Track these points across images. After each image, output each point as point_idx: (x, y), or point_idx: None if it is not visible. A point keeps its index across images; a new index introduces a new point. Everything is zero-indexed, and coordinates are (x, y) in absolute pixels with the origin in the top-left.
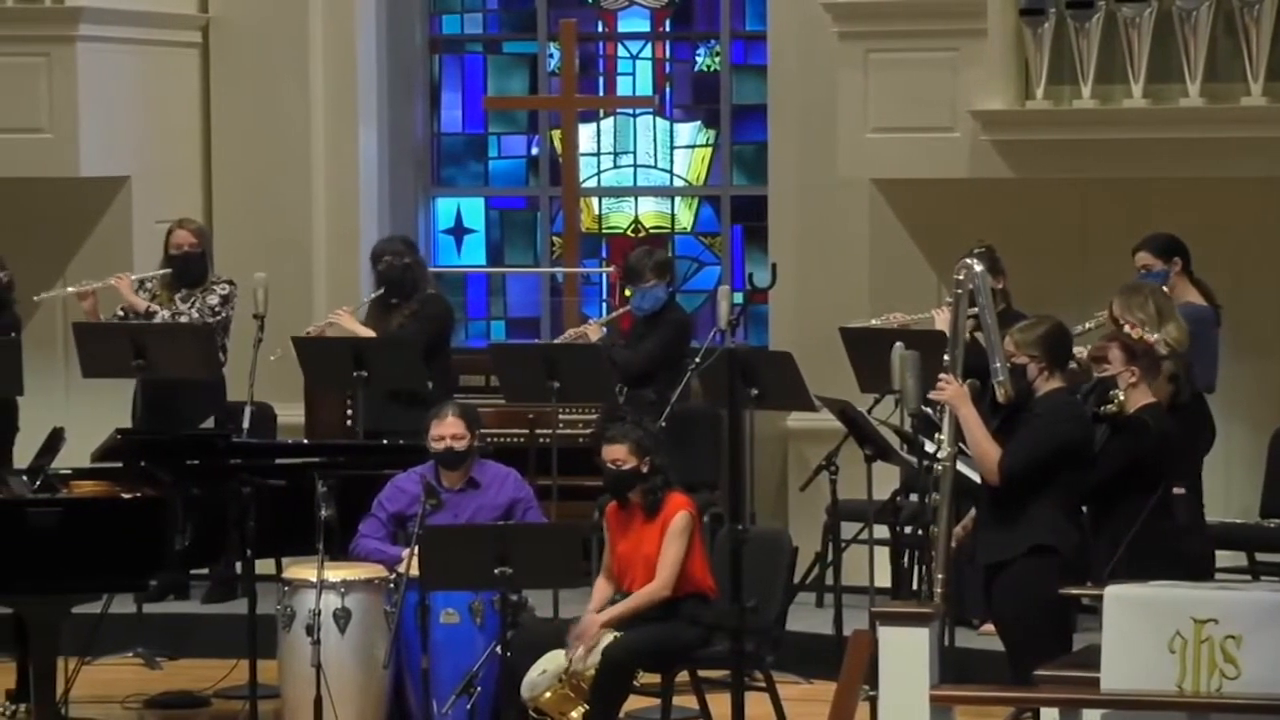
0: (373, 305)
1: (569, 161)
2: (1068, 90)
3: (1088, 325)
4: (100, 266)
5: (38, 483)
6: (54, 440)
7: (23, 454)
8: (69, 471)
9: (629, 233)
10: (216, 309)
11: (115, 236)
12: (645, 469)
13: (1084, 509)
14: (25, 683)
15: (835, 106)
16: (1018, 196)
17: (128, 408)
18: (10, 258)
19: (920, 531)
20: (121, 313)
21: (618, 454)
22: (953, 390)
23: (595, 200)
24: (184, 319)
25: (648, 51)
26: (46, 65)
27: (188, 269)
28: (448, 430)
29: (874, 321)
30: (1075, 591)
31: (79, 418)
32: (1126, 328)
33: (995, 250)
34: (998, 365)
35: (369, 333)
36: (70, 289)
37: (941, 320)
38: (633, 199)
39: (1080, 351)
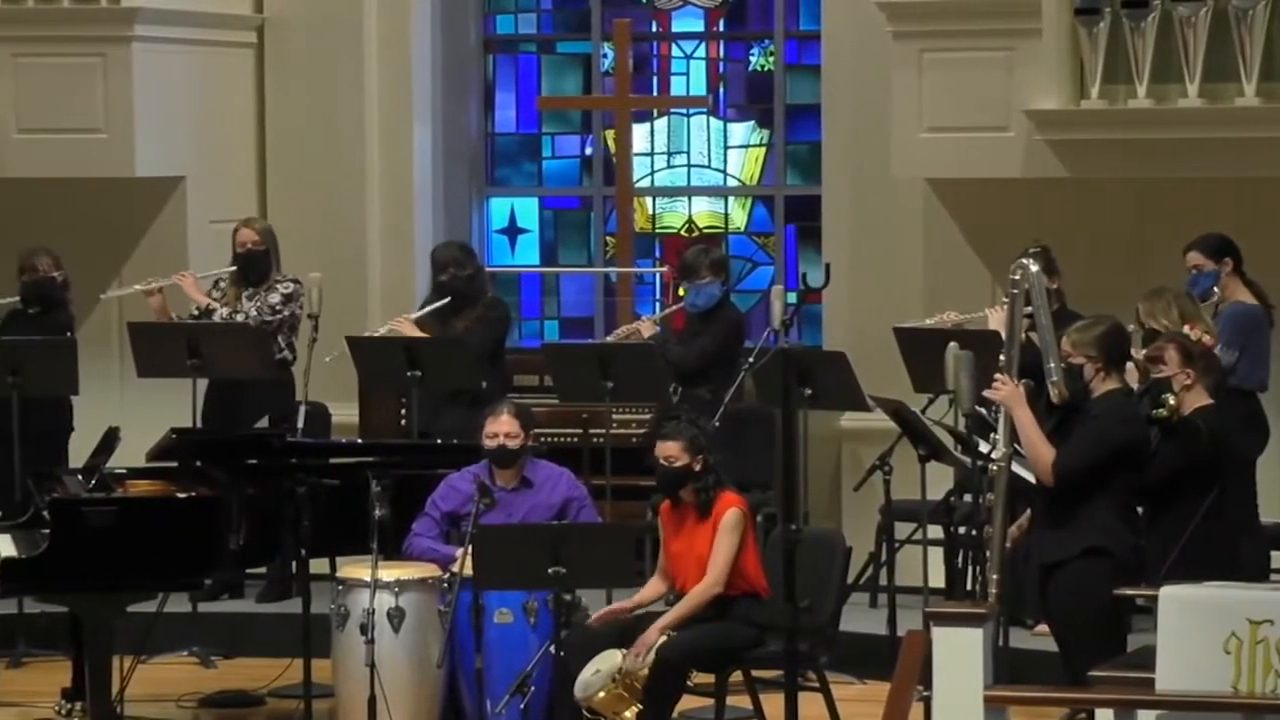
0: (434, 311)
1: (623, 161)
2: (1122, 90)
3: (1131, 328)
4: (155, 267)
5: (93, 482)
6: (109, 439)
7: (78, 453)
8: (124, 471)
9: (683, 233)
10: (277, 307)
11: (170, 237)
12: (698, 467)
13: (1139, 510)
14: (81, 681)
15: (889, 106)
16: (1072, 196)
17: (183, 407)
18: (66, 258)
19: (974, 532)
20: (196, 311)
21: (670, 451)
22: (1008, 390)
23: (649, 200)
24: (241, 317)
25: (702, 51)
26: (102, 66)
27: (251, 267)
28: (502, 428)
29: (928, 321)
30: (1130, 592)
31: (134, 417)
32: (1186, 328)
33: (1050, 250)
34: (1053, 365)
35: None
36: (137, 287)
37: (995, 320)
38: (686, 199)
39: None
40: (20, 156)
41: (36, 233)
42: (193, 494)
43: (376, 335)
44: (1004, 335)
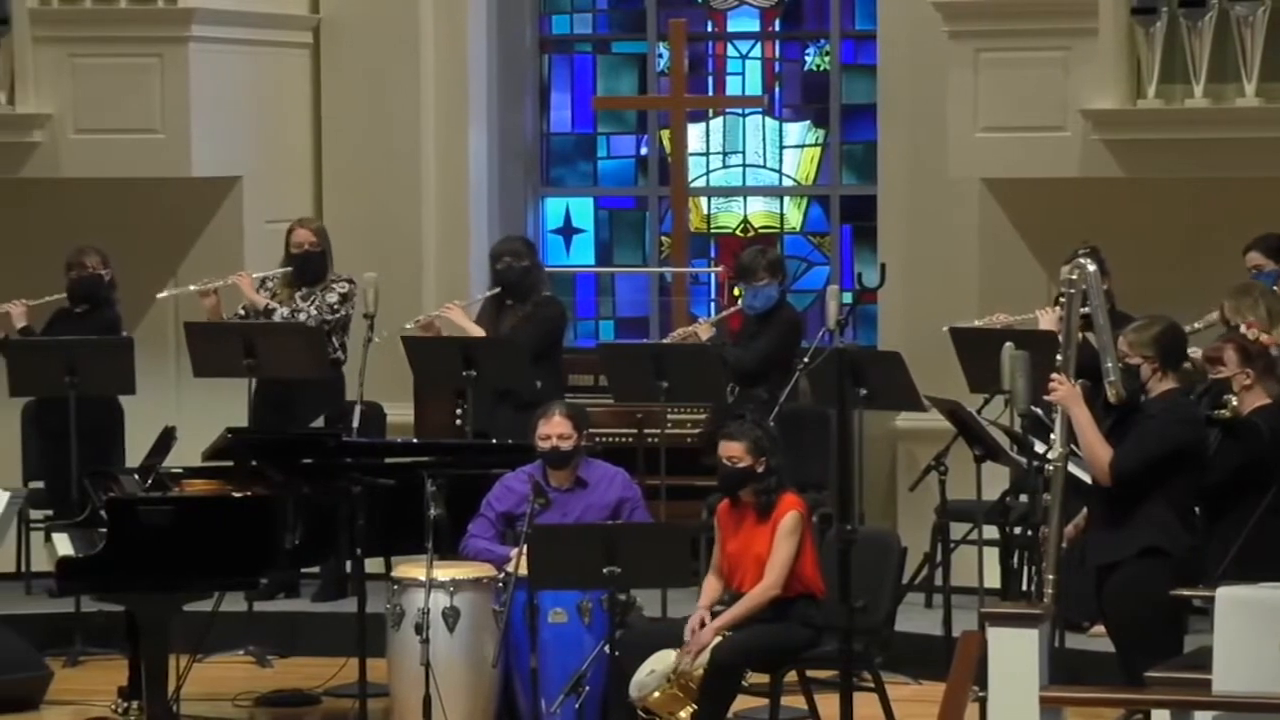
0: (488, 304)
1: (678, 161)
2: (1179, 89)
3: (1197, 326)
4: (211, 267)
5: (149, 481)
6: (165, 439)
7: (135, 453)
8: (180, 470)
9: (738, 232)
10: (335, 307)
11: (226, 237)
12: (760, 469)
13: (1197, 511)
14: (137, 680)
15: (945, 106)
16: (1128, 196)
17: (238, 407)
18: (122, 258)
19: (1030, 532)
20: (243, 311)
21: (734, 451)
22: (1065, 390)
23: (704, 200)
24: (302, 316)
25: (757, 51)
26: (159, 66)
27: (307, 267)
28: (554, 430)
29: (977, 322)
30: (1187, 593)
31: (190, 417)
32: (1243, 328)
33: (1100, 250)
34: (1110, 365)
35: (479, 330)
36: (193, 287)
37: (1046, 320)
38: (742, 199)
39: (1195, 352)
40: (78, 157)
41: (94, 233)
42: (248, 493)
43: (426, 318)
44: (1060, 336)
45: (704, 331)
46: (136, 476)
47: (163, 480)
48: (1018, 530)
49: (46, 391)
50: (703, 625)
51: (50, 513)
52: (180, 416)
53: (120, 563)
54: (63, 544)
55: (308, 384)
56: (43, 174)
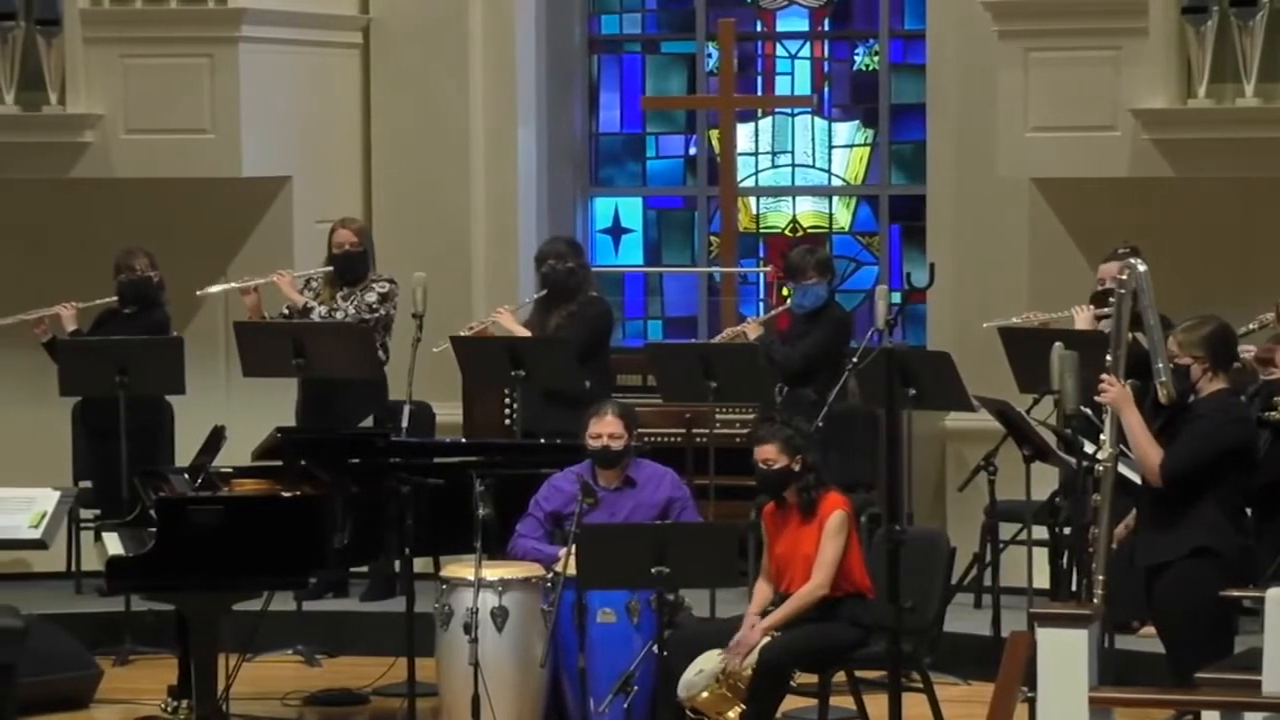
0: (535, 306)
1: (727, 161)
2: (1230, 89)
3: (1251, 327)
4: (261, 266)
5: (199, 481)
6: (215, 439)
7: (184, 452)
8: (230, 470)
9: (787, 232)
10: (374, 306)
11: (276, 236)
12: (797, 467)
13: (1248, 511)
14: (187, 679)
15: (995, 105)
16: (1179, 196)
17: (288, 406)
18: (173, 257)
19: (1069, 529)
20: (286, 310)
21: (768, 454)
22: (1116, 391)
23: (753, 200)
24: (340, 315)
25: (806, 51)
26: (209, 66)
27: (349, 267)
28: (606, 429)
29: (1015, 320)
30: (1237, 594)
31: (240, 416)
32: None
33: (1139, 251)
34: (1160, 366)
35: (527, 334)
36: (233, 284)
37: (1082, 319)
38: (790, 198)
39: (1246, 351)
40: (128, 157)
41: (143, 233)
42: (298, 493)
43: (479, 325)
44: (1111, 335)
45: (752, 331)
46: (186, 476)
47: (212, 480)
48: (1067, 531)
49: (96, 391)
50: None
51: (100, 512)
52: (230, 416)
53: (170, 562)
54: (112, 543)
55: (351, 384)
56: (93, 174)
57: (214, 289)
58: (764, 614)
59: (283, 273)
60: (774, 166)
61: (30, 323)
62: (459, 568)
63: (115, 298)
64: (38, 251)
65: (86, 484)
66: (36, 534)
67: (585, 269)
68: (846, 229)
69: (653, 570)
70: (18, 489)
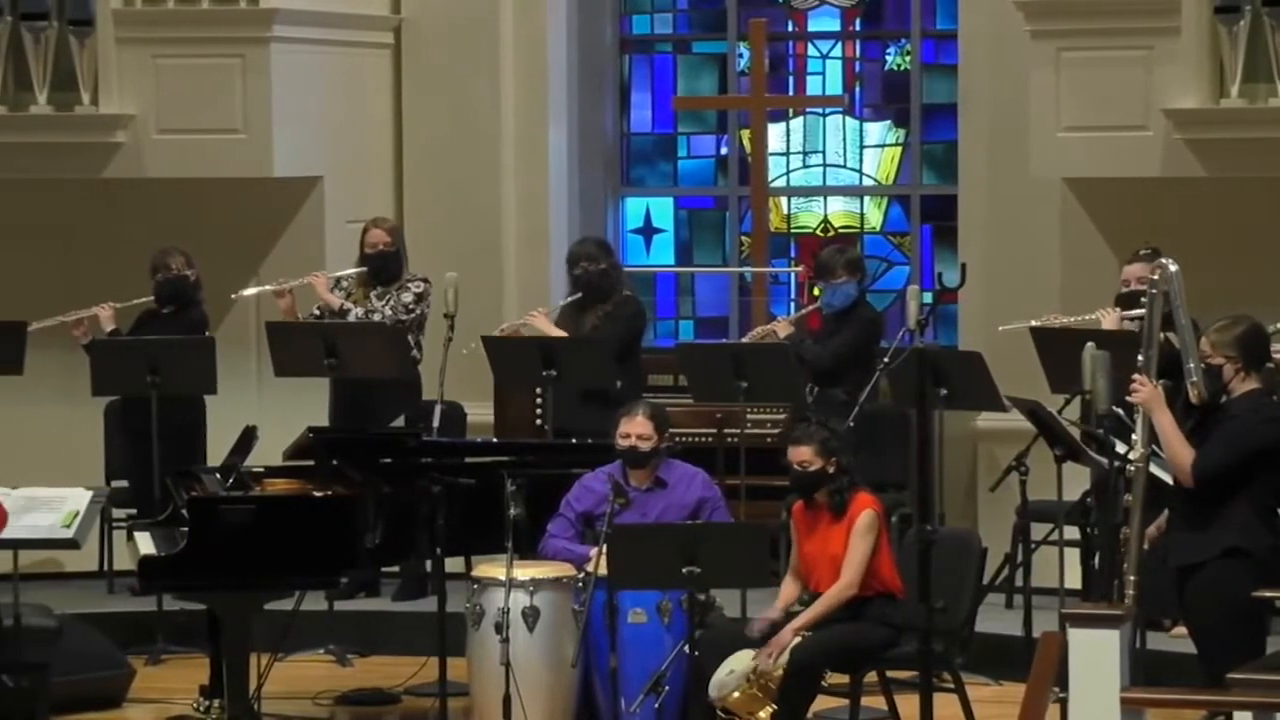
0: (567, 307)
1: (758, 161)
2: (1263, 88)
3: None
4: (293, 266)
5: (230, 480)
6: (247, 439)
7: (216, 452)
8: (261, 469)
9: (818, 232)
10: (410, 306)
11: (308, 236)
12: (831, 469)
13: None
14: (218, 678)
15: (1026, 105)
16: (1211, 196)
17: (319, 406)
18: (205, 257)
19: (1093, 530)
20: (318, 311)
21: (803, 455)
22: (1147, 392)
23: (784, 200)
24: (377, 316)
25: (838, 51)
26: (241, 67)
27: (382, 267)
28: (635, 429)
29: (1033, 322)
30: (1269, 594)
31: (271, 416)
32: None
33: (1160, 252)
34: (1192, 366)
35: (561, 334)
36: (268, 287)
37: (1109, 321)
38: (822, 198)
39: (1279, 351)
40: (160, 157)
41: (176, 233)
42: (329, 493)
43: (511, 327)
44: (1143, 336)
45: (782, 330)
46: (218, 476)
47: (244, 479)
48: (1098, 531)
49: (129, 391)
50: (771, 626)
51: (133, 512)
52: (261, 416)
53: (201, 562)
54: (145, 543)
55: (385, 384)
56: (125, 174)
57: (249, 291)
58: (789, 612)
59: (317, 274)
60: (805, 166)
61: (68, 324)
62: (490, 567)
63: (152, 297)
64: (69, 252)
65: (120, 483)
66: (69, 533)
67: (617, 269)
68: (878, 229)
69: (684, 570)
70: (50, 488)
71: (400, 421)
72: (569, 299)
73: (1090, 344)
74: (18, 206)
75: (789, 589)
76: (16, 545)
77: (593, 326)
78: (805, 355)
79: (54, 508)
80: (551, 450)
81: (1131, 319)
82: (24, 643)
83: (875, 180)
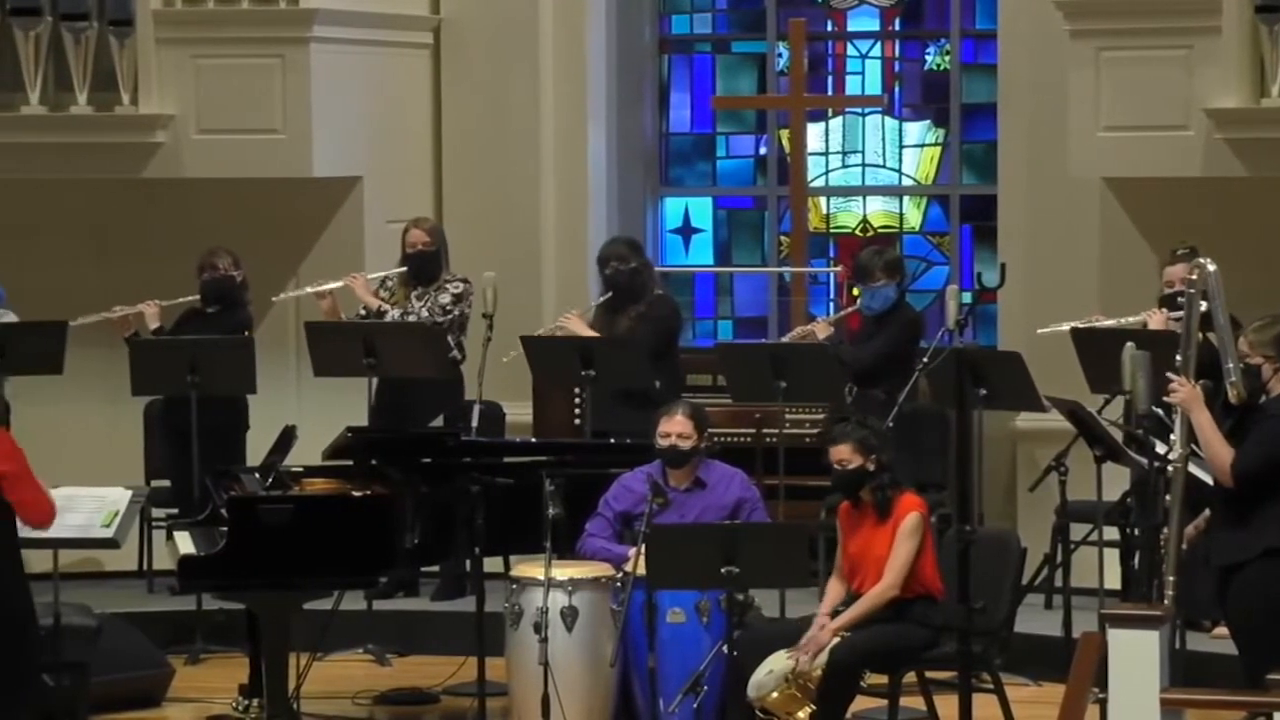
0: (600, 308)
1: (797, 161)
2: None
3: None
4: (332, 266)
5: (269, 480)
6: (286, 438)
7: (255, 452)
8: (300, 469)
9: (857, 232)
10: (448, 307)
11: (347, 236)
12: (871, 467)
13: None
14: (258, 678)
15: (1066, 105)
16: (1252, 195)
17: (358, 406)
18: (244, 257)
19: (1134, 531)
20: (364, 311)
21: (843, 454)
22: (1186, 392)
23: (823, 200)
24: (413, 318)
25: (877, 50)
26: (280, 67)
27: (422, 268)
28: (674, 429)
29: (1076, 324)
30: None
31: (310, 416)
32: None
33: (1199, 250)
34: (1231, 366)
35: (594, 335)
36: (309, 289)
37: (1155, 322)
38: (861, 198)
39: None
40: (200, 157)
41: (215, 233)
42: (368, 492)
43: (547, 332)
44: (1181, 335)
45: (821, 331)
46: (257, 475)
47: (283, 479)
48: (1138, 531)
49: (168, 391)
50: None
51: (172, 511)
52: (301, 415)
53: (241, 561)
54: (184, 542)
55: (425, 383)
56: (165, 174)
57: (290, 294)
58: (834, 613)
59: (356, 275)
60: (844, 166)
61: (113, 322)
62: (529, 567)
63: (198, 296)
64: (108, 251)
65: (160, 483)
66: (109, 533)
67: (648, 268)
68: (917, 229)
69: (722, 570)
70: (90, 488)
71: (439, 421)
72: (601, 299)
73: (1130, 344)
74: (58, 206)
75: (834, 590)
76: (56, 544)
77: (627, 328)
78: (844, 357)
79: (94, 507)
80: (590, 450)
81: (1178, 320)
82: (64, 642)
83: (914, 180)
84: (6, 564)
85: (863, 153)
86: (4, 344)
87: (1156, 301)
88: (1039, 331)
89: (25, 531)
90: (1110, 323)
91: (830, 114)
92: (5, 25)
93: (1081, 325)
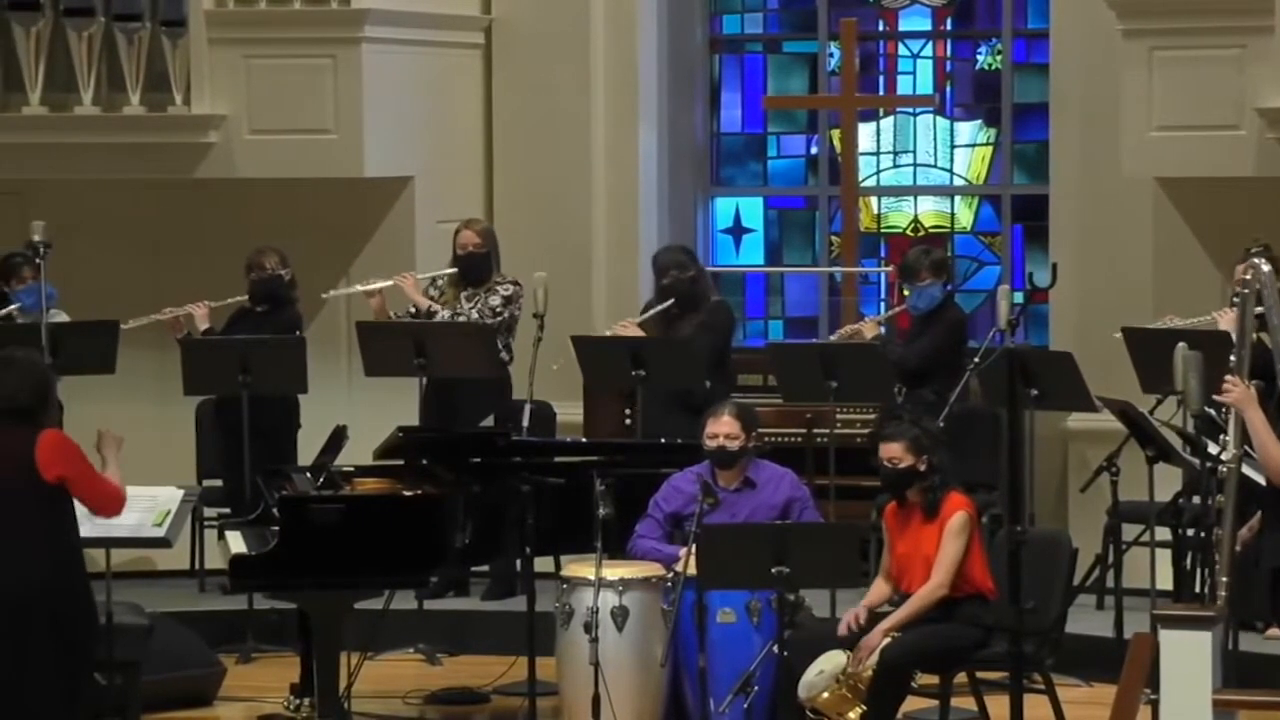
0: (658, 316)
1: (848, 161)
2: None
3: None
4: (383, 266)
5: (321, 480)
6: (337, 438)
7: (306, 451)
8: (351, 469)
9: (908, 232)
10: (498, 309)
11: (398, 236)
12: (922, 468)
13: None
14: (309, 677)
15: (1118, 104)
16: None
17: (409, 406)
18: (296, 257)
19: (1203, 534)
20: (413, 311)
21: (894, 452)
22: (1239, 392)
23: (874, 199)
24: (462, 319)
25: (929, 50)
26: (332, 67)
27: (472, 269)
28: (722, 429)
29: (1150, 325)
30: None
31: (361, 415)
32: None
33: (1272, 249)
34: None
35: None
36: (359, 287)
37: (1226, 322)
38: (912, 198)
39: None
40: (251, 157)
41: (267, 233)
42: (419, 492)
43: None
44: (1234, 336)
45: (869, 330)
46: (308, 475)
47: (334, 479)
48: (1190, 532)
49: (220, 391)
50: (856, 622)
51: (224, 510)
52: (352, 415)
53: (292, 561)
54: (235, 542)
55: (471, 384)
56: (217, 174)
57: (339, 292)
58: (877, 612)
59: (406, 275)
60: (895, 166)
61: (164, 323)
62: (579, 567)
63: (246, 296)
64: (160, 252)
65: (212, 482)
66: (160, 532)
67: (704, 274)
68: (968, 229)
69: (773, 570)
70: (142, 487)
71: (490, 421)
72: (659, 308)
73: (1182, 344)
74: (110, 206)
75: (879, 589)
76: (109, 544)
77: (687, 336)
78: (891, 357)
79: (146, 506)
80: (640, 450)
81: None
82: (116, 641)
83: (966, 180)
84: (68, 562)
85: (914, 152)
86: (56, 344)
87: (1228, 301)
88: (1122, 327)
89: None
90: (1182, 323)
91: (881, 114)
92: (58, 26)
93: (1160, 326)
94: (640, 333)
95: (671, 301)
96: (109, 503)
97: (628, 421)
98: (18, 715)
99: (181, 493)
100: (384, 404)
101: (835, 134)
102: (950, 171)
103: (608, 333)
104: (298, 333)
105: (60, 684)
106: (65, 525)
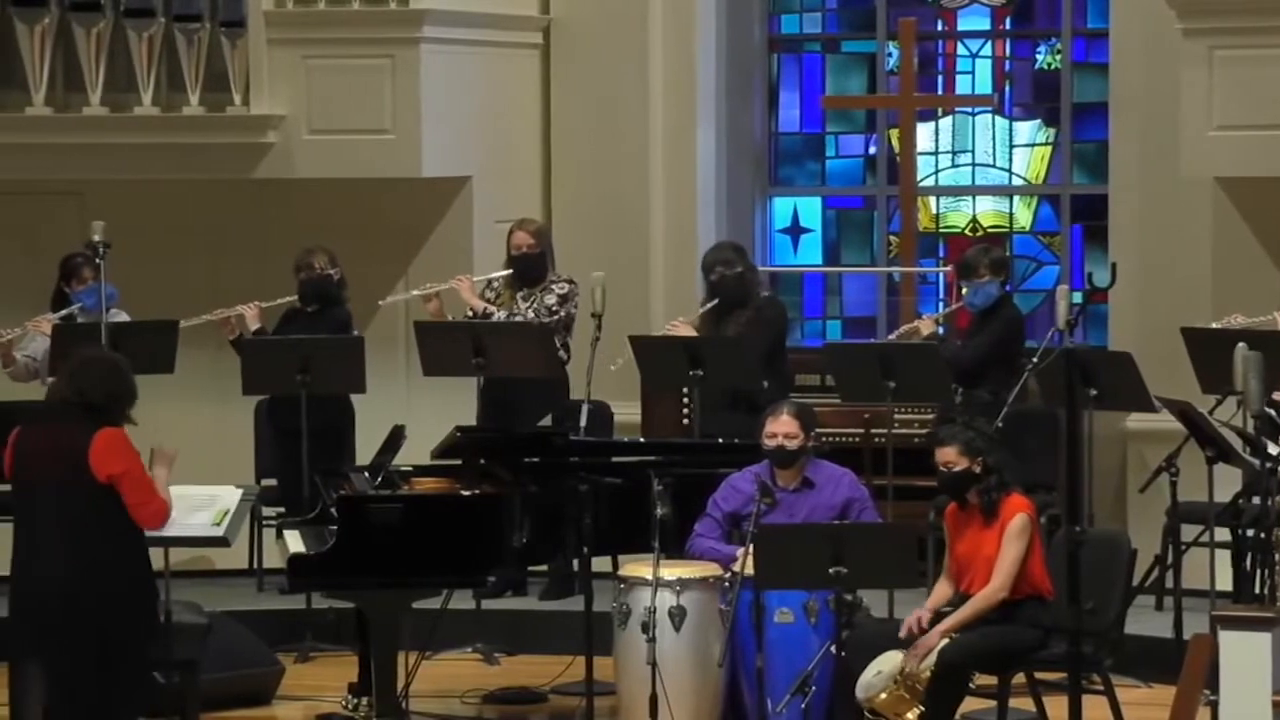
0: (708, 314)
1: (907, 160)
2: None
3: None
4: (441, 267)
5: (379, 479)
6: (395, 438)
7: (365, 451)
8: (410, 469)
9: (966, 232)
10: (554, 308)
11: (456, 237)
12: (977, 470)
13: None
14: (367, 676)
15: (1178, 104)
16: None
17: (467, 406)
18: (354, 258)
19: (1263, 535)
20: (470, 313)
21: (948, 456)
22: None
23: (933, 199)
24: (519, 319)
25: (988, 50)
26: (390, 67)
27: (526, 269)
28: (781, 429)
29: (1214, 325)
30: None
31: (420, 415)
32: None
33: None
34: None
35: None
36: (415, 292)
37: None
38: (971, 198)
39: None
40: (310, 157)
41: (325, 233)
42: (477, 492)
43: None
44: None
45: (925, 328)
46: (366, 475)
47: (392, 478)
48: (1250, 532)
49: (278, 390)
50: (919, 624)
51: (282, 510)
52: (410, 415)
53: (350, 560)
54: (294, 541)
55: (532, 383)
56: (276, 174)
57: (396, 298)
58: (940, 613)
59: (463, 278)
60: (954, 166)
61: (216, 323)
62: (637, 567)
63: (296, 297)
64: (220, 252)
65: (270, 482)
66: (219, 531)
67: (754, 271)
68: (1027, 229)
69: (831, 570)
70: (201, 487)
71: (548, 421)
72: (708, 305)
73: (1242, 344)
74: (170, 206)
75: (941, 590)
76: (168, 543)
77: (737, 332)
78: (946, 356)
79: (205, 506)
80: (698, 450)
81: None
82: (174, 640)
83: (1025, 180)
84: (121, 560)
85: (973, 152)
86: (116, 344)
87: None
88: (1182, 327)
89: None
90: (1242, 322)
91: (940, 113)
92: (119, 27)
93: (1218, 325)
94: (692, 332)
95: (717, 301)
96: (153, 515)
97: (685, 421)
98: (67, 710)
99: (240, 492)
100: (442, 404)
101: (894, 134)
102: (1009, 171)
103: (657, 334)
104: (349, 332)
105: (105, 679)
106: (119, 523)
